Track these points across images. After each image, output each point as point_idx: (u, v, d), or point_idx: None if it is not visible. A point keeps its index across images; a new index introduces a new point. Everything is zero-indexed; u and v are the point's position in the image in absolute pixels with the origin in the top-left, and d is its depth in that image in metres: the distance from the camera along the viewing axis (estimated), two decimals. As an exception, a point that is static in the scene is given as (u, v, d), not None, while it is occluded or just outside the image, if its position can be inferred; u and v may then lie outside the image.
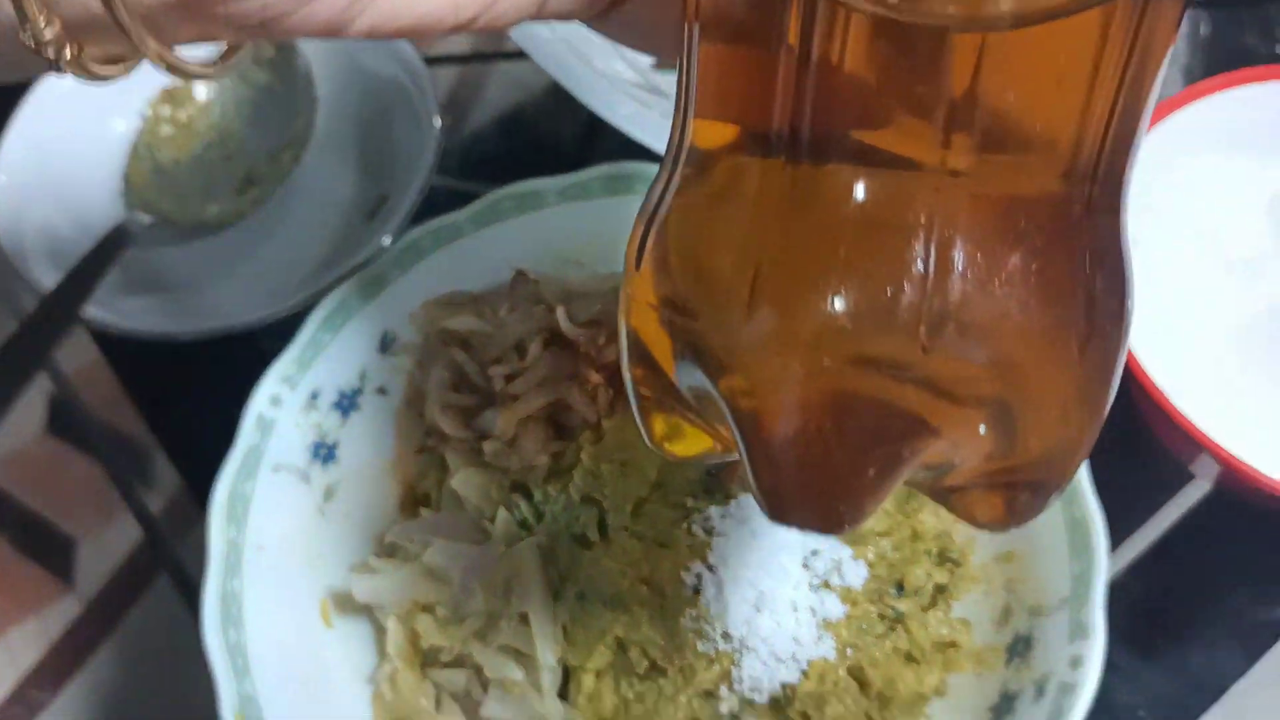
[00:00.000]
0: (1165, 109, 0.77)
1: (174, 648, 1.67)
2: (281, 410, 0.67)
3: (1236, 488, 0.71)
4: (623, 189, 0.72)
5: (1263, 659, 0.74)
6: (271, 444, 0.66)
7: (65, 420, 1.82)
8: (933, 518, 0.65)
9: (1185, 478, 0.79)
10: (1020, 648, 0.63)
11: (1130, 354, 0.66)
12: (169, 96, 0.87)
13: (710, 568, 0.60)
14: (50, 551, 1.81)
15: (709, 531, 0.61)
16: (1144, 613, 0.76)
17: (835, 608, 0.60)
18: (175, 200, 0.85)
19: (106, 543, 1.82)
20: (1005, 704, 0.62)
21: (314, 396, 0.69)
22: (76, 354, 0.92)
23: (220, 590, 0.61)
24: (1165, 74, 0.31)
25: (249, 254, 0.85)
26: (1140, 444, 0.81)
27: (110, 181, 0.86)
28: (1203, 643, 0.75)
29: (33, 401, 1.86)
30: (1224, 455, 0.65)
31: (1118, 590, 0.71)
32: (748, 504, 0.62)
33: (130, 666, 1.79)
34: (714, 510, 0.62)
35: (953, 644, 0.64)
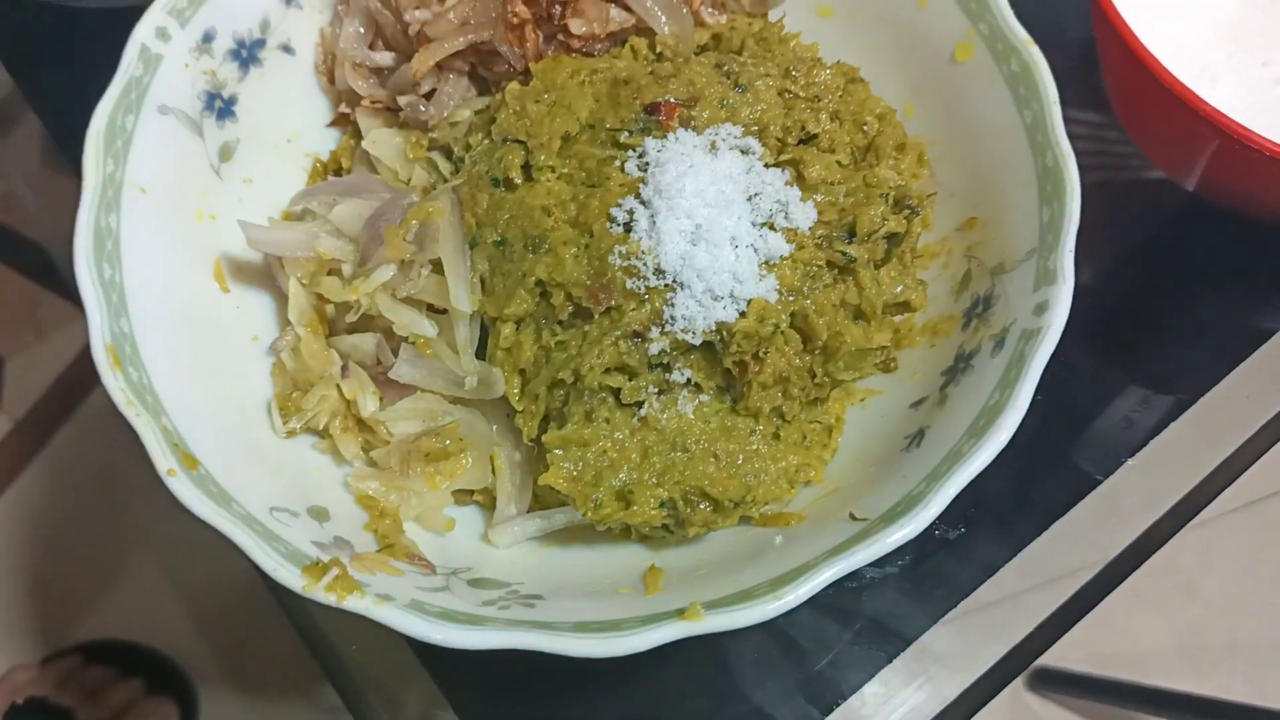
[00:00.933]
0: None
1: (105, 465, 1.62)
2: (169, 46, 0.60)
3: (1222, 180, 0.66)
4: None
5: (1240, 367, 0.69)
6: (157, 81, 0.59)
7: (-3, 238, 1.70)
8: (891, 172, 0.59)
9: (1163, 191, 0.74)
10: (979, 309, 0.58)
11: (1130, 38, 0.60)
12: None
13: (644, 202, 0.54)
14: (-22, 370, 1.71)
15: (644, 169, 0.55)
16: (1112, 317, 0.71)
17: (780, 246, 0.54)
18: None
19: (37, 361, 1.74)
20: (960, 363, 0.56)
21: (207, 39, 0.61)
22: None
23: (94, 223, 0.55)
24: None
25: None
26: (1118, 159, 0.75)
27: None
28: (1175, 347, 0.71)
29: (-41, 219, 1.74)
30: (1223, 120, 0.59)
31: (1086, 294, 0.66)
32: (686, 137, 0.56)
33: (60, 485, 1.72)
34: (650, 143, 0.55)
35: (906, 305, 0.59)
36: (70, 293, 0.56)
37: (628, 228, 0.54)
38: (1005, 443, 0.51)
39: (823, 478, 0.57)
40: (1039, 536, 0.66)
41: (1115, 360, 0.71)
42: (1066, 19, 0.71)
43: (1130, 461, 0.68)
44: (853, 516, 0.51)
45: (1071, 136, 0.56)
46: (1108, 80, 0.69)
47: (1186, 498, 0.69)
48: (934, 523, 0.50)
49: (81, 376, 1.62)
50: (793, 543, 0.54)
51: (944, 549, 0.64)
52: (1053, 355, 0.53)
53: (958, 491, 0.50)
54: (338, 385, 0.59)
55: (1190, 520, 0.69)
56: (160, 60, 0.59)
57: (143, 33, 0.59)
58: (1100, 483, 0.68)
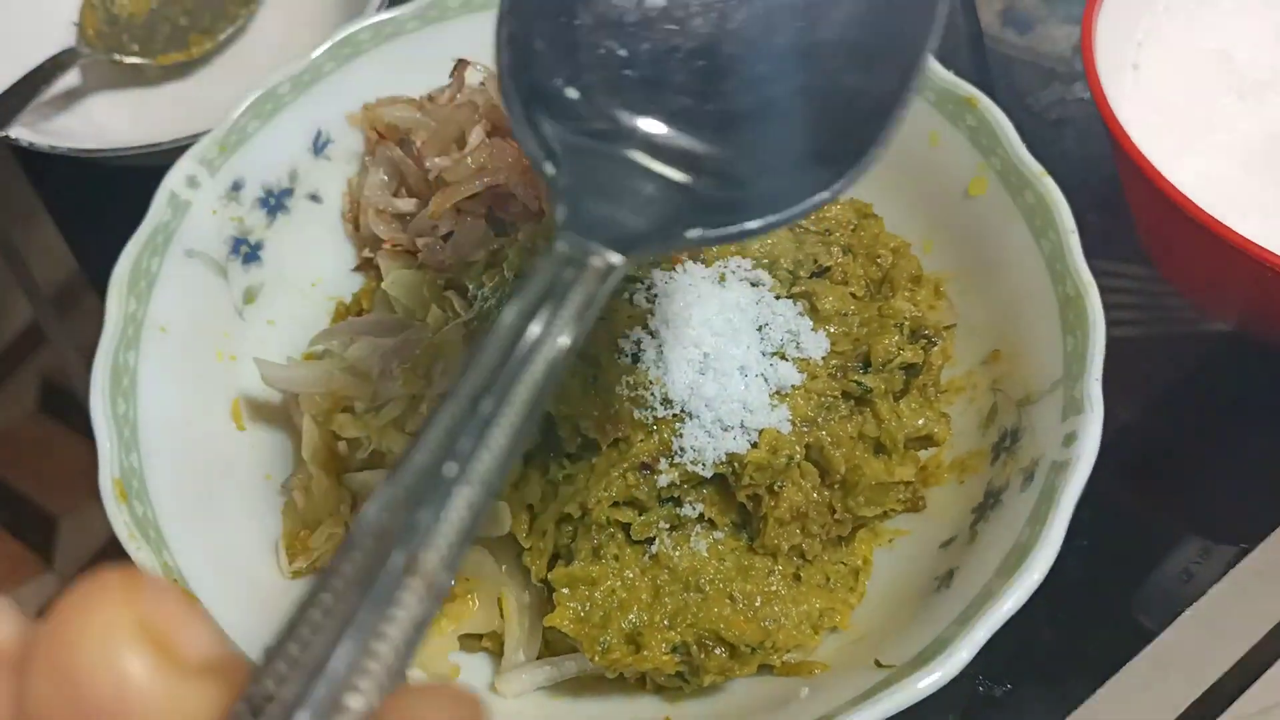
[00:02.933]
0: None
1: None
2: (199, 193, 0.62)
3: (1261, 313, 0.64)
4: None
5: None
6: (184, 226, 0.61)
7: (56, 400, 1.78)
8: (906, 304, 0.58)
9: (1195, 326, 0.72)
10: (1007, 443, 0.55)
11: (1155, 175, 0.59)
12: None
13: (651, 332, 0.54)
14: (32, 529, 1.76)
15: (652, 299, 0.55)
16: (1157, 459, 0.67)
17: (791, 375, 0.53)
18: (126, 45, 0.81)
19: (89, 523, 1.77)
20: (990, 500, 0.54)
21: (236, 187, 0.64)
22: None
23: (112, 359, 0.56)
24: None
25: (200, 98, 0.81)
26: (1149, 296, 0.74)
27: (59, 27, 0.83)
28: (1228, 491, 0.67)
29: (24, 381, 1.83)
30: (1258, 252, 0.57)
31: (1130, 435, 0.64)
32: (695, 269, 0.56)
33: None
34: (658, 275, 0.55)
35: (929, 439, 0.57)
36: None
37: (635, 358, 0.54)
38: (1039, 581, 0.48)
39: (848, 624, 0.53)
40: (1093, 695, 0.61)
41: (1164, 504, 0.68)
42: (1085, 159, 0.71)
43: (1188, 613, 0.63)
44: (878, 663, 0.48)
45: (1102, 274, 0.55)
46: (1136, 218, 0.69)
47: (1252, 651, 0.63)
48: (978, 677, 0.46)
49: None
50: (816, 694, 0.50)
51: (990, 706, 0.59)
52: (1097, 499, 0.50)
53: (990, 634, 0.47)
54: (345, 523, 0.58)
55: (1258, 677, 0.63)
56: (189, 206, 0.61)
57: (173, 180, 0.61)
58: (1156, 636, 0.63)
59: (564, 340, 0.30)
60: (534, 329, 0.30)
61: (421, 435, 0.27)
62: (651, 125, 0.39)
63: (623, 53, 0.39)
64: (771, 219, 0.36)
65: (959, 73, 0.63)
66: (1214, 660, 0.63)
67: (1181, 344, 0.72)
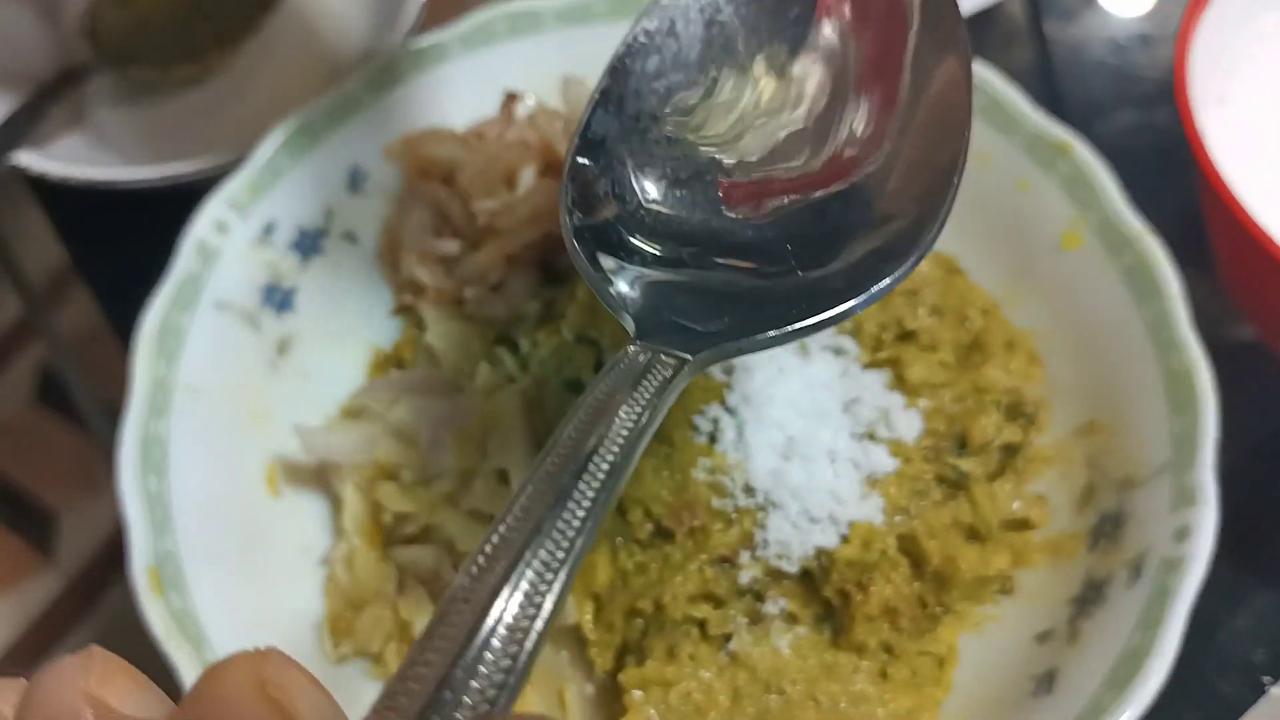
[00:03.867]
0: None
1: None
2: (228, 240, 0.57)
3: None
4: (629, 9, 0.62)
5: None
6: (215, 276, 0.56)
7: (54, 391, 1.73)
8: (1000, 372, 0.54)
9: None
10: (1107, 528, 0.51)
11: (1238, 212, 0.55)
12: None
13: (730, 410, 0.50)
14: (32, 524, 1.71)
15: (729, 371, 0.51)
16: (1239, 517, 0.64)
17: (884, 462, 0.49)
18: (136, 55, 0.76)
19: (90, 517, 1.72)
20: (1090, 592, 0.50)
21: (268, 230, 0.59)
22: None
23: (141, 431, 0.51)
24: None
25: (215, 112, 0.75)
26: (1244, 357, 0.69)
27: (66, 35, 0.77)
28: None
29: (21, 371, 1.77)
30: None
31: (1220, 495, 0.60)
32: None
33: (109, 646, 1.68)
34: (736, 345, 0.51)
35: (1025, 523, 0.53)
36: None
37: (712, 438, 0.50)
38: (1155, 694, 0.45)
39: (937, 722, 0.50)
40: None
41: (1246, 567, 0.64)
42: (1167, 184, 0.67)
43: (1275, 689, 0.60)
44: (978, 780, 0.45)
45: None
46: (1221, 262, 0.64)
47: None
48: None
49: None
50: (907, 804, 0.47)
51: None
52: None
53: (1102, 756, 0.44)
54: (394, 604, 0.54)
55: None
56: (218, 254, 0.57)
57: (200, 227, 0.56)
58: (1243, 711, 0.60)
59: (642, 422, 0.32)
60: (601, 429, 0.31)
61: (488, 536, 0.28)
62: (710, 246, 0.40)
63: (679, 192, 0.42)
64: (831, 313, 0.37)
65: (1028, 88, 0.59)
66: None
67: (1266, 389, 0.68)
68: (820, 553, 0.48)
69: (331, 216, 0.61)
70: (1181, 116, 0.60)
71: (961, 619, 0.53)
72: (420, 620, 0.53)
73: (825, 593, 0.48)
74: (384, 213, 0.63)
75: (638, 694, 0.48)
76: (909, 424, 0.50)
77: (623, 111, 0.42)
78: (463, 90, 0.63)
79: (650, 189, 0.41)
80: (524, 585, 0.26)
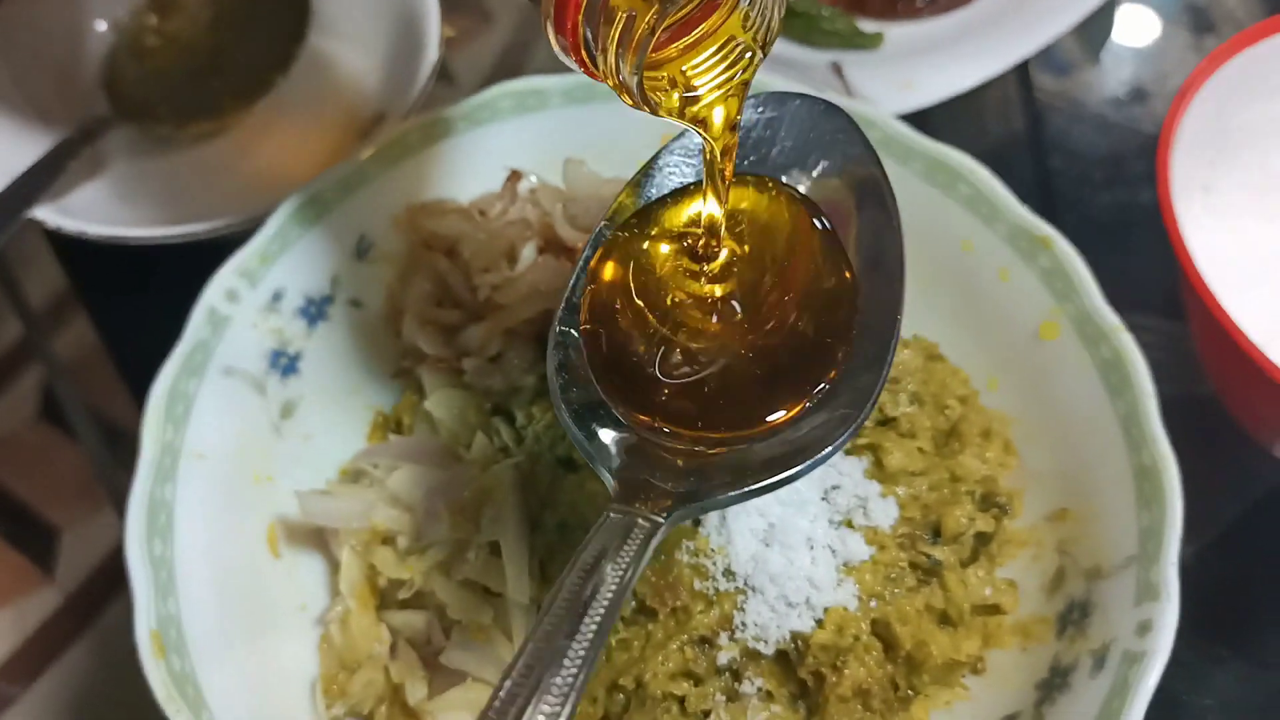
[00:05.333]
0: (1234, 47, 0.69)
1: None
2: (238, 308, 0.59)
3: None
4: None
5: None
6: (224, 343, 0.59)
7: (57, 408, 1.74)
8: (976, 461, 0.56)
9: (1264, 464, 0.70)
10: (1075, 615, 0.53)
11: (1217, 313, 0.57)
12: (155, 3, 0.81)
13: (714, 495, 0.52)
14: (33, 540, 1.72)
15: (714, 459, 0.53)
16: (1216, 605, 0.66)
17: (859, 549, 0.51)
18: (153, 109, 0.78)
19: (91, 534, 1.74)
20: (1056, 678, 0.52)
21: (276, 298, 0.61)
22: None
23: (148, 496, 0.53)
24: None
25: (229, 167, 0.78)
26: (1213, 433, 0.71)
27: (85, 88, 0.80)
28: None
29: (25, 388, 1.79)
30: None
31: (1185, 577, 0.62)
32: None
33: (106, 664, 1.68)
34: (721, 431, 0.53)
35: (995, 608, 0.55)
36: (131, 467, 0.54)
37: (696, 522, 0.52)
38: (1112, 785, 0.47)
39: (902, 804, 0.52)
40: None
41: (1214, 643, 0.66)
42: (1149, 247, 0.68)
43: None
44: None
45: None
46: (1203, 356, 0.66)
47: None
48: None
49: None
50: None
51: None
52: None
53: None
54: (386, 667, 0.56)
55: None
56: (228, 322, 0.59)
57: (212, 295, 0.58)
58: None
59: (627, 579, 0.38)
60: (594, 583, 0.37)
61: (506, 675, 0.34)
62: (678, 412, 0.45)
63: (649, 368, 0.46)
64: (780, 477, 0.42)
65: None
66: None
67: (1240, 476, 0.70)
68: (796, 636, 0.50)
69: (338, 284, 0.63)
70: (1162, 208, 0.62)
71: (932, 699, 0.55)
72: (411, 684, 0.55)
73: (801, 674, 0.50)
74: (389, 279, 0.65)
75: (618, 767, 0.50)
76: (885, 512, 0.52)
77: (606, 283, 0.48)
78: (467, 165, 0.65)
79: (630, 357, 0.46)
80: None
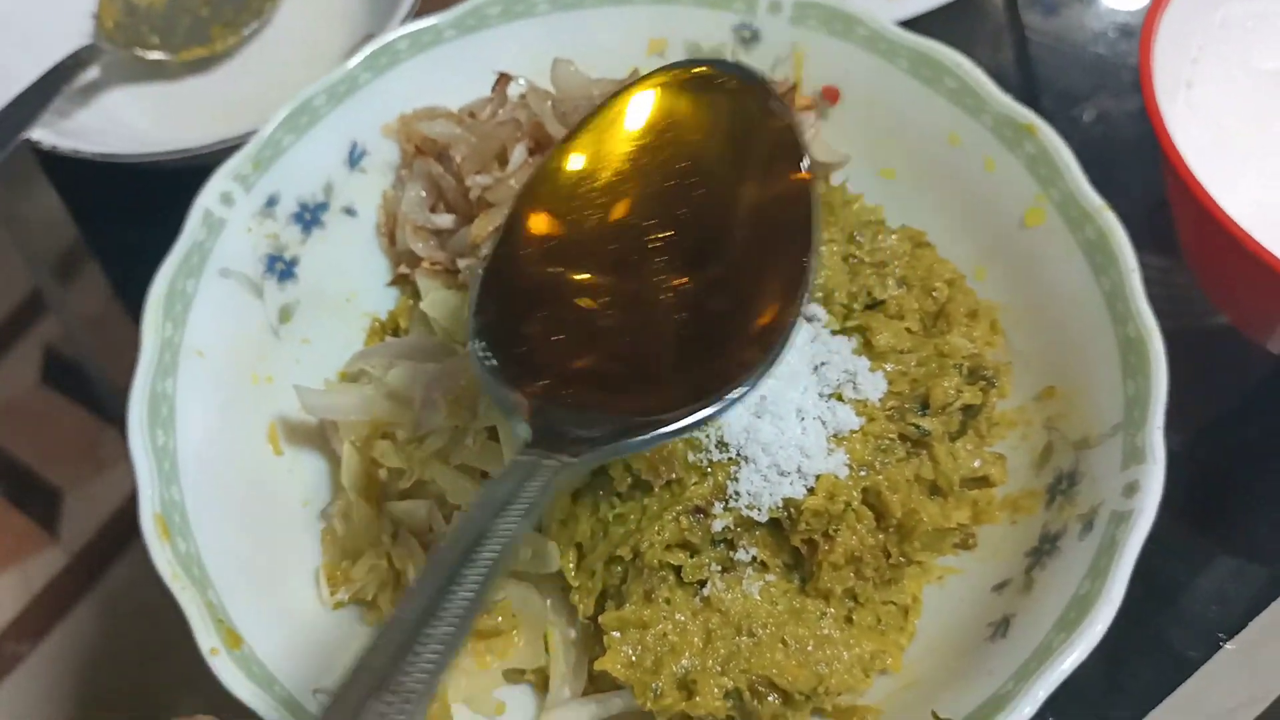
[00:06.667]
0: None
1: (157, 604, 1.58)
2: (233, 211, 0.60)
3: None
4: (623, -3, 0.65)
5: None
6: (220, 245, 0.59)
7: (59, 372, 1.75)
8: (963, 339, 0.57)
9: (1247, 353, 0.71)
10: (1063, 485, 0.54)
11: (1204, 200, 0.58)
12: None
13: (706, 371, 0.53)
14: (36, 502, 1.73)
15: (706, 336, 0.54)
16: (1198, 485, 0.67)
17: (849, 419, 0.52)
18: (146, 37, 0.79)
19: (94, 495, 1.75)
20: (1045, 544, 0.53)
21: (271, 203, 0.62)
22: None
23: (150, 388, 0.54)
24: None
25: (220, 93, 0.79)
26: (1197, 320, 0.72)
27: (77, 19, 0.80)
28: (1268, 517, 0.66)
29: (27, 352, 1.79)
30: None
31: (1171, 461, 0.63)
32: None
33: (111, 622, 1.70)
34: (712, 311, 0.54)
35: (985, 480, 0.56)
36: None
37: (691, 398, 0.52)
38: (1100, 637, 0.48)
39: (900, 666, 0.53)
40: (1137, 725, 0.61)
41: (1204, 532, 0.67)
42: (1140, 169, 0.69)
43: (1229, 646, 0.63)
44: (935, 716, 0.48)
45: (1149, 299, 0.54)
46: (1184, 242, 0.67)
47: (1293, 685, 0.63)
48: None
49: (139, 512, 1.62)
50: (870, 741, 0.50)
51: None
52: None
53: (1051, 691, 0.46)
54: (388, 554, 0.57)
55: (1300, 710, 0.63)
56: (223, 224, 0.60)
57: (207, 198, 0.59)
58: (1198, 667, 0.63)
59: (519, 529, 0.40)
60: (498, 522, 0.39)
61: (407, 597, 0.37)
62: (594, 365, 0.47)
63: (565, 324, 0.48)
64: (689, 420, 0.43)
65: (1004, 79, 0.61)
66: (1256, 692, 0.63)
67: (1224, 365, 0.71)
68: (789, 502, 0.51)
69: (332, 191, 0.64)
70: (1147, 104, 0.63)
71: (925, 571, 0.56)
72: (413, 569, 0.56)
73: (794, 541, 0.51)
74: (382, 188, 0.66)
75: (616, 635, 0.51)
76: (874, 385, 0.53)
77: (533, 229, 0.50)
78: (457, 72, 0.66)
79: (550, 300, 0.48)
80: (425, 653, 0.35)
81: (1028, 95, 0.76)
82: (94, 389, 1.72)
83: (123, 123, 0.77)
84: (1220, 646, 0.63)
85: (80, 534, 1.71)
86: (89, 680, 1.58)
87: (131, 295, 0.76)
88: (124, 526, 1.73)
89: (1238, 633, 0.64)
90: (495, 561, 0.38)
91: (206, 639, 0.48)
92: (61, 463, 1.75)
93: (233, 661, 0.48)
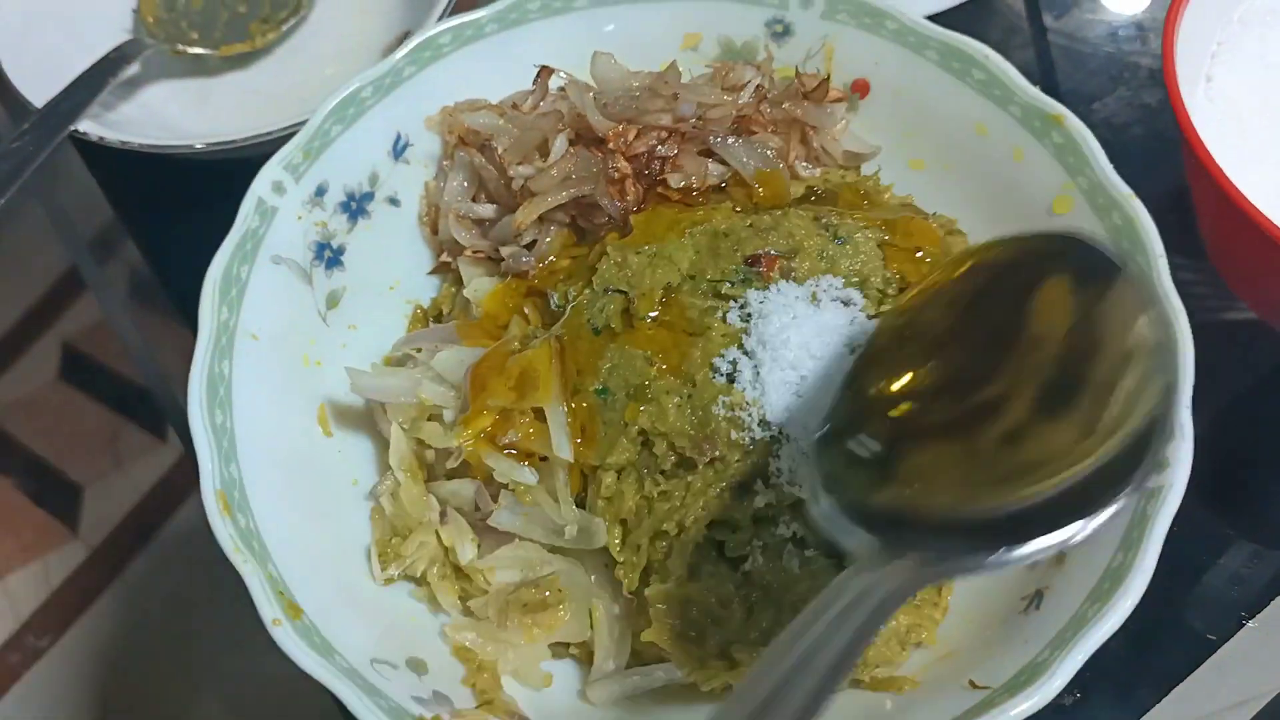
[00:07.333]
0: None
1: (176, 599, 1.61)
2: (284, 199, 0.62)
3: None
4: (662, -9, 0.67)
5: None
6: (272, 232, 0.61)
7: (77, 368, 1.77)
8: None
9: (1266, 337, 0.72)
10: (1093, 464, 0.56)
11: (1228, 185, 0.59)
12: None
13: (747, 353, 0.54)
14: (57, 498, 1.74)
15: (746, 319, 0.55)
16: (1221, 468, 0.68)
17: (886, 399, 0.54)
18: (186, 33, 0.81)
19: (114, 491, 1.76)
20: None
21: (320, 192, 0.63)
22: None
23: (208, 370, 0.56)
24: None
25: (261, 89, 0.80)
26: (1218, 306, 0.74)
27: (118, 15, 0.82)
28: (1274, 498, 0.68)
29: (46, 348, 1.81)
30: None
31: (1196, 447, 0.65)
32: (788, 289, 0.56)
33: (131, 617, 1.71)
34: (752, 295, 0.56)
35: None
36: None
37: (731, 378, 0.54)
38: (1132, 608, 0.49)
39: (935, 639, 0.55)
40: (1159, 703, 0.63)
41: (1227, 513, 0.69)
42: (1155, 166, 0.71)
43: (1251, 624, 0.65)
44: (973, 684, 0.49)
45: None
46: (1204, 231, 0.69)
47: (1314, 663, 0.65)
48: (1050, 689, 0.48)
49: (158, 507, 1.63)
50: (906, 711, 0.51)
51: (1060, 715, 0.61)
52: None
53: (1085, 660, 0.48)
54: (437, 531, 0.59)
55: (1320, 688, 0.65)
56: (275, 212, 0.61)
57: (260, 187, 0.61)
58: (1219, 646, 0.64)
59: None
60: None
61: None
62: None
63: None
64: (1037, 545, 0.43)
65: (1026, 73, 0.63)
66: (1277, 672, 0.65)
67: (1243, 349, 0.73)
68: (829, 480, 0.52)
69: (377, 181, 0.66)
70: (1169, 92, 0.65)
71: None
72: (461, 545, 0.57)
73: (833, 517, 0.53)
74: (424, 179, 0.68)
75: (661, 608, 0.52)
76: (912, 365, 0.55)
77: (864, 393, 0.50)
78: (498, 66, 0.67)
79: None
80: None
81: (1048, 92, 0.77)
82: (113, 386, 1.73)
83: (164, 116, 0.79)
84: (1243, 625, 0.65)
85: (100, 529, 1.73)
86: (108, 673, 1.60)
87: (174, 283, 0.78)
88: (144, 521, 1.74)
89: (1259, 612, 0.65)
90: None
91: (269, 610, 0.50)
92: (81, 458, 1.76)
93: (295, 632, 0.50)
